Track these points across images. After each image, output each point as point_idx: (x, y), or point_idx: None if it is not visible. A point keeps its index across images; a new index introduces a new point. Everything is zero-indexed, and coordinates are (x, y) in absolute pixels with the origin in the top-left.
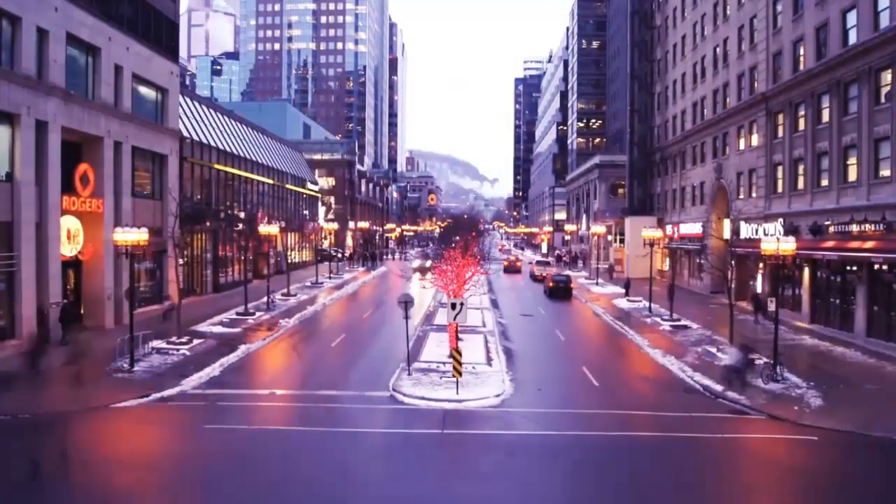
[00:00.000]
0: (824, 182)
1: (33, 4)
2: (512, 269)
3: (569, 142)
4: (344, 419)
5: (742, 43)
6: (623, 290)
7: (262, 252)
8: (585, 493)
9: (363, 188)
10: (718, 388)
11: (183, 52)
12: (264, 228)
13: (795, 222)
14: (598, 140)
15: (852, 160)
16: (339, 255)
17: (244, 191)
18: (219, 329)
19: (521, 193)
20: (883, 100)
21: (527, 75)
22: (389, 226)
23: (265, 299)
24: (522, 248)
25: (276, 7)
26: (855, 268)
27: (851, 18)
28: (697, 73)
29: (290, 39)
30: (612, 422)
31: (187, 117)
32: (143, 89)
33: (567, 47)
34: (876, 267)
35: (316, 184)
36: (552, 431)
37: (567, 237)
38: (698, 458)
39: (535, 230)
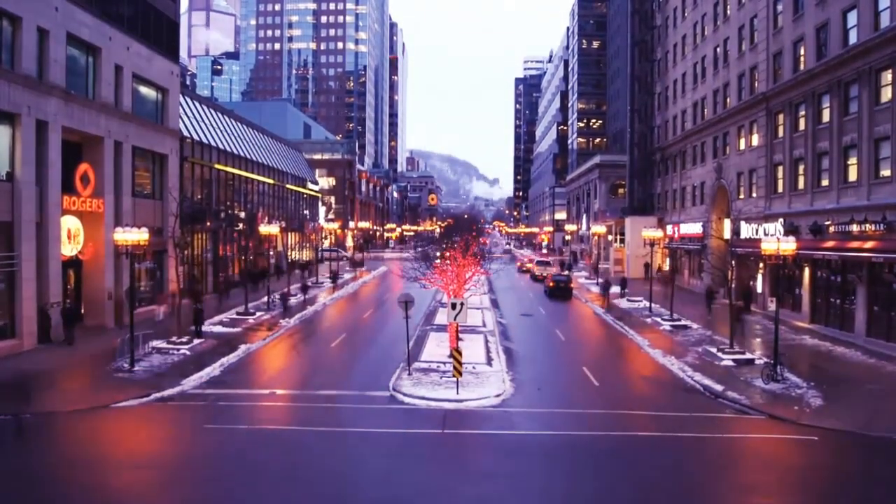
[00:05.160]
0: (824, 182)
1: (34, 4)
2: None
3: (569, 142)
4: (344, 419)
5: (742, 43)
6: (621, 290)
7: (263, 252)
8: (586, 492)
9: (363, 188)
10: (719, 387)
11: (183, 52)
12: (264, 228)
13: (796, 222)
14: (598, 140)
15: (852, 160)
16: (343, 256)
17: (244, 190)
18: (219, 329)
19: (521, 193)
20: (883, 100)
21: (527, 75)
22: (390, 225)
23: (265, 299)
24: (522, 249)
25: (277, 7)
26: (855, 268)
27: (852, 18)
28: (698, 73)
29: (290, 39)
30: (613, 422)
31: (188, 117)
32: (144, 89)
33: (567, 47)
34: (876, 267)
35: (316, 183)
36: (552, 431)
37: (567, 237)
38: (698, 457)
39: (535, 230)
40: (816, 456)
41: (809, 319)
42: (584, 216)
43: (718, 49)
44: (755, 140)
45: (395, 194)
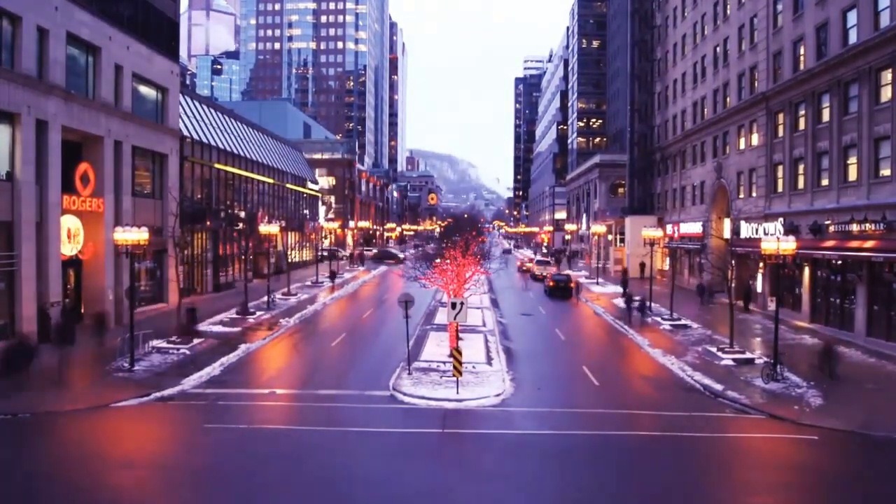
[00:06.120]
0: (824, 181)
1: (34, 4)
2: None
3: (569, 141)
4: (344, 418)
5: (742, 42)
6: (621, 290)
7: (263, 251)
8: (585, 492)
9: (363, 187)
10: (719, 387)
11: (183, 52)
12: (264, 228)
13: (795, 222)
14: (598, 139)
15: (852, 160)
16: (343, 255)
17: (244, 190)
18: (219, 328)
19: (521, 193)
20: (883, 99)
21: (527, 74)
22: (390, 225)
23: (265, 299)
24: (521, 247)
25: (277, 6)
26: (855, 267)
27: (851, 18)
28: (698, 73)
29: (290, 39)
30: (613, 421)
31: (188, 116)
32: (144, 88)
33: (567, 47)
34: (876, 266)
35: (316, 183)
36: (552, 431)
37: (567, 236)
38: (699, 457)
39: (535, 230)
40: (817, 455)
41: (809, 319)
42: (584, 216)
43: (718, 48)
44: (755, 139)
45: (395, 194)
